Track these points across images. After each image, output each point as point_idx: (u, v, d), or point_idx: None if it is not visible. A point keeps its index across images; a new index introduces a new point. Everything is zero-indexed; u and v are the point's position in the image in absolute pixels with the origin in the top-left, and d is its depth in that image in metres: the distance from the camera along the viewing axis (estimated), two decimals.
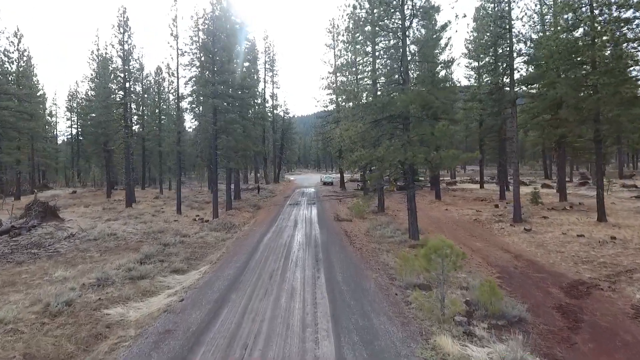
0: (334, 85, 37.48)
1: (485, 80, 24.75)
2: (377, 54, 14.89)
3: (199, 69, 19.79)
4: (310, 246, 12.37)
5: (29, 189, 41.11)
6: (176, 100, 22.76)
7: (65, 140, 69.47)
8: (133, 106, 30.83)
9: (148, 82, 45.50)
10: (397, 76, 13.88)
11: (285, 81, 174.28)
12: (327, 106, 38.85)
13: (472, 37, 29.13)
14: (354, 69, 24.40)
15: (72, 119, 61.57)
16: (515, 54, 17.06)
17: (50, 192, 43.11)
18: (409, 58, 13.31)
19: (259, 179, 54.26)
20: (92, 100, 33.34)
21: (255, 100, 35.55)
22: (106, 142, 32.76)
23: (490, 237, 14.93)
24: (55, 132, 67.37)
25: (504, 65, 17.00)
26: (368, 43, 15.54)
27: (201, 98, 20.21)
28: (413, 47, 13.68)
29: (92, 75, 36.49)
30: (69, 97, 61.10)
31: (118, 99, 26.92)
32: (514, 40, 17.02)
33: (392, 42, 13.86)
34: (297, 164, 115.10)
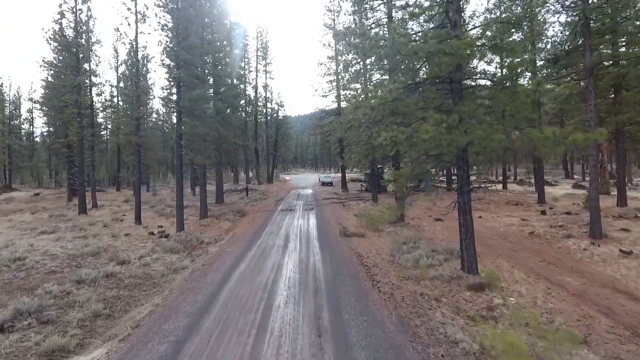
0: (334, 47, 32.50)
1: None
2: None
3: (161, 31, 14.67)
4: (306, 292, 7.33)
5: None
6: (134, 78, 17.66)
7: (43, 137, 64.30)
8: (94, 91, 25.61)
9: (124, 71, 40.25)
10: (440, 18, 8.91)
11: (280, 77, 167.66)
12: (326, 95, 33.83)
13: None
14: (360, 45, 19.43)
15: (50, 113, 56.04)
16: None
17: (10, 194, 37.84)
18: None
19: (251, 179, 49.16)
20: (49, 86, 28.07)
21: (237, 81, 30.39)
22: (67, 135, 27.59)
23: (576, 264, 9.97)
24: (32, 129, 62.04)
25: (579, 23, 12.05)
26: None
27: (165, 73, 15.12)
28: None
29: (54, 58, 31.26)
30: (44, 89, 55.39)
31: (70, 82, 21.69)
32: None
33: None
34: (293, 163, 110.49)
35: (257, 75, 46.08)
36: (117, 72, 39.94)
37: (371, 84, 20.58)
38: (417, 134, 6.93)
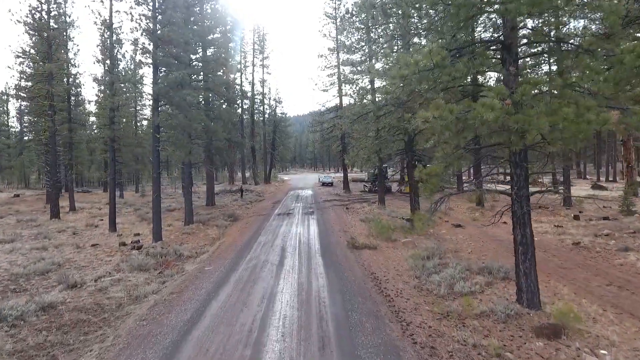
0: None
1: None
2: None
3: (135, 5, 12.31)
4: (309, 344, 5.04)
5: None
6: (109, 65, 15.31)
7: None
8: (71, 83, 23.24)
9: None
10: None
11: (278, 75, 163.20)
12: (327, 89, 31.55)
13: None
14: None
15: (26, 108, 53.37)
16: None
17: None
18: None
19: (247, 179, 46.84)
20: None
21: (233, 76, 27.98)
22: (44, 130, 25.23)
23: None
24: (21, 127, 59.50)
25: None
26: None
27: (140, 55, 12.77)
28: None
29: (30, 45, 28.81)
30: (25, 80, 52.61)
31: (41, 70, 19.35)
32: None
33: None
34: (292, 163, 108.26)
35: (253, 70, 43.85)
36: (104, 66, 37.51)
37: (377, 67, 18.23)
38: (475, 113, 4.63)
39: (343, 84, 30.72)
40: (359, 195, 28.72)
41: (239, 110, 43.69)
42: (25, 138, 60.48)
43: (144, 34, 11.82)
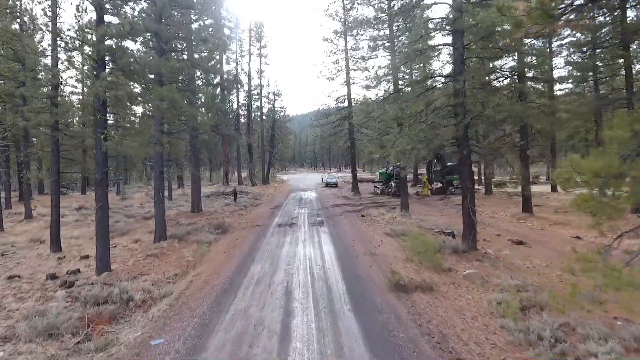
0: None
1: None
2: None
3: None
4: None
5: None
6: (52, 26, 11.32)
7: None
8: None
9: None
10: None
11: (277, 71, 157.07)
12: (333, 78, 27.56)
13: None
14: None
15: None
16: None
17: None
18: None
19: (244, 179, 42.80)
20: None
21: (230, 66, 23.82)
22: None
23: None
24: None
25: None
26: None
27: None
28: None
29: None
30: None
31: None
32: None
33: None
34: (291, 162, 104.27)
35: (250, 59, 39.76)
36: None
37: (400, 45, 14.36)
38: None
39: (352, 72, 27.00)
40: (371, 199, 24.81)
41: (235, 106, 39.83)
42: None
43: None
